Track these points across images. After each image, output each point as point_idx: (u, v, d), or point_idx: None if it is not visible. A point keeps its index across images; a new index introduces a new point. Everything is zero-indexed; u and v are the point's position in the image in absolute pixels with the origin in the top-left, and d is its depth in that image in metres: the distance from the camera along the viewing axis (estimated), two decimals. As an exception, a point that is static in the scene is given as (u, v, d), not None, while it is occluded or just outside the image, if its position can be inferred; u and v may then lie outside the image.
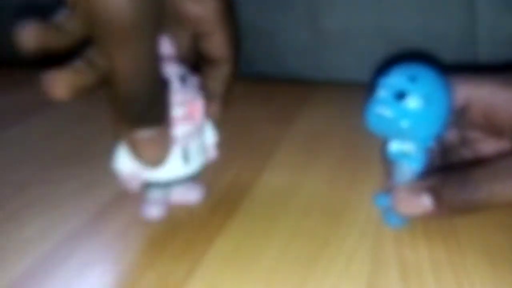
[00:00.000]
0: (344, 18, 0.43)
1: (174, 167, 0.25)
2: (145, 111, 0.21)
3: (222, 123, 0.40)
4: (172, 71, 0.24)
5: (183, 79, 0.24)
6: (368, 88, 0.25)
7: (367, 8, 0.42)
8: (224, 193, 0.29)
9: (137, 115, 0.21)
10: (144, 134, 0.21)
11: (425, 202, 0.23)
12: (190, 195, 0.28)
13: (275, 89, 0.48)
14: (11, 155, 0.36)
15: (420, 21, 0.41)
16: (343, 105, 0.42)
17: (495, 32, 0.39)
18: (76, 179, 0.31)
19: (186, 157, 0.25)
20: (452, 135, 0.29)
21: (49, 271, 0.23)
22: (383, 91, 0.24)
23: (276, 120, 0.41)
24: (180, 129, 0.24)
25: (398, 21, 0.42)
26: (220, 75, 0.28)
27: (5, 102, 0.48)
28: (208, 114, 0.27)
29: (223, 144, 0.34)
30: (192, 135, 0.25)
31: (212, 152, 0.28)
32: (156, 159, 0.22)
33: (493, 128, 0.27)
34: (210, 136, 0.28)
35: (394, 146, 0.25)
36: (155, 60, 0.21)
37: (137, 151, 0.22)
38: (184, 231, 0.25)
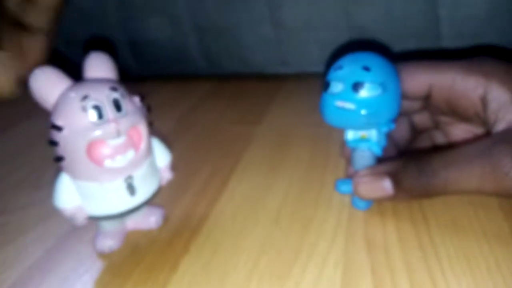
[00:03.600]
0: (306, 9, 0.42)
1: (120, 200, 0.23)
2: None
3: (189, 126, 0.39)
4: (102, 97, 0.21)
5: (116, 105, 0.21)
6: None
7: (327, -3, 0.41)
8: (189, 208, 0.28)
9: None
10: None
11: (386, 186, 0.24)
12: (149, 221, 0.26)
13: (241, 87, 0.47)
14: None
15: (381, 6, 0.40)
16: (310, 98, 0.41)
17: (455, 12, 0.38)
18: (37, 206, 0.29)
19: (131, 188, 0.23)
20: (425, 119, 0.29)
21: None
22: (340, 85, 0.23)
23: (244, 120, 0.40)
24: (119, 160, 0.22)
25: (360, 8, 0.41)
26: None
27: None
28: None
29: (190, 149, 0.33)
30: (135, 163, 0.23)
31: (165, 176, 0.26)
32: None
33: (457, 115, 0.26)
34: (161, 158, 0.25)
35: (350, 134, 0.25)
36: None
37: None
38: (148, 255, 0.24)
